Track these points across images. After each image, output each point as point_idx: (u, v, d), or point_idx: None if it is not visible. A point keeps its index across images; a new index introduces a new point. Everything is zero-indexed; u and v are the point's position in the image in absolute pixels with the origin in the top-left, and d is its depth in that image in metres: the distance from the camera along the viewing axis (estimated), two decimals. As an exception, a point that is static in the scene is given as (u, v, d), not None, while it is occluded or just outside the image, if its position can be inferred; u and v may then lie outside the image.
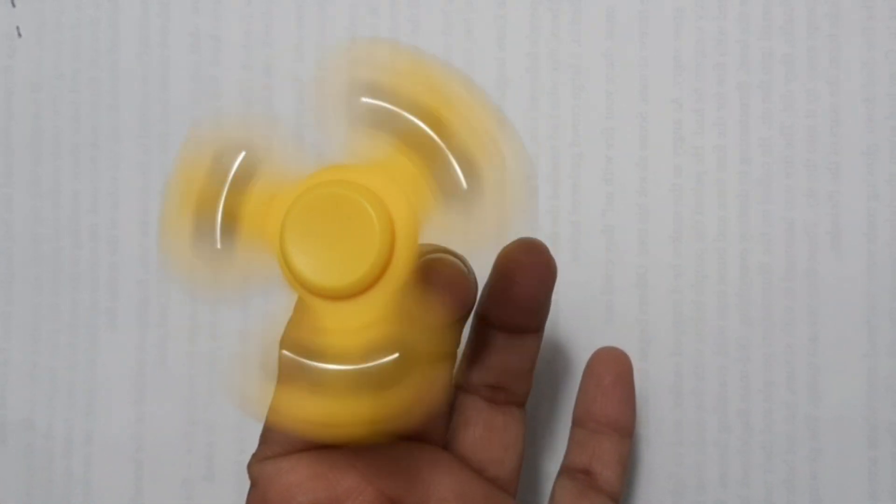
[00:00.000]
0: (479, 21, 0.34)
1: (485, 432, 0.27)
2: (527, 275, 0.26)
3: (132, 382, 0.34)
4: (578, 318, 0.33)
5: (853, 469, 0.32)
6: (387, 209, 0.22)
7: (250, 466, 0.25)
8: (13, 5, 0.35)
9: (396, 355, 0.21)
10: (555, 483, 0.29)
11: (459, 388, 0.28)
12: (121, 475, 0.34)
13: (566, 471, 0.29)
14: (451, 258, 0.24)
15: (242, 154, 0.23)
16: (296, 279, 0.22)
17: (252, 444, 0.33)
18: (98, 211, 0.35)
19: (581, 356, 0.33)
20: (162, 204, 0.23)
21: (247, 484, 0.35)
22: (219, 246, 0.22)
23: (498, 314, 0.27)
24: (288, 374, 0.22)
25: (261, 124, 0.23)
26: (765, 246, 0.33)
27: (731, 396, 0.32)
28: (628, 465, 0.30)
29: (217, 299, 0.32)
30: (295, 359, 0.22)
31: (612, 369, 0.30)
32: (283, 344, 0.23)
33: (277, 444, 0.25)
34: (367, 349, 0.22)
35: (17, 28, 0.35)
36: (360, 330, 0.22)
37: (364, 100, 0.22)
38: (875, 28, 0.33)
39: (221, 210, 0.22)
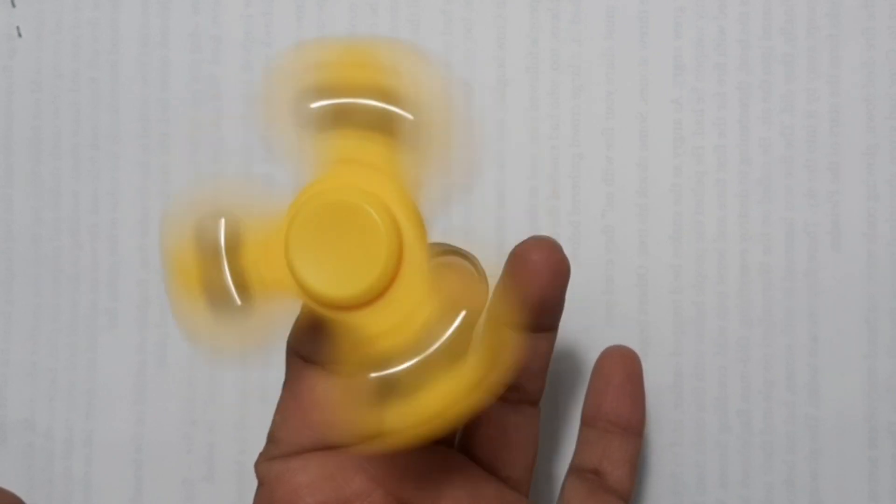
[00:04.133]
0: (479, 21, 0.34)
1: (497, 432, 0.27)
2: (540, 274, 0.26)
3: (132, 382, 0.34)
4: (578, 319, 0.33)
5: (853, 469, 0.32)
6: (386, 204, 0.22)
7: (257, 465, 0.25)
8: (13, 5, 0.35)
9: (463, 313, 0.21)
10: (564, 483, 0.29)
11: None
12: (121, 475, 0.34)
13: (576, 470, 0.29)
14: (462, 261, 0.24)
15: (222, 220, 0.23)
16: (317, 301, 0.22)
17: (252, 444, 0.34)
18: (98, 211, 0.35)
19: (581, 356, 0.33)
20: (166, 287, 0.23)
21: (247, 484, 0.35)
22: (239, 303, 0.23)
23: (511, 314, 0.27)
24: (375, 392, 0.22)
25: (224, 185, 0.24)
26: (765, 246, 0.33)
27: (731, 396, 0.32)
28: (638, 464, 0.30)
29: (246, 352, 0.32)
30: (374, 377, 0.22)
31: (622, 368, 0.30)
32: (348, 369, 0.22)
33: (286, 444, 0.25)
34: (423, 333, 0.21)
35: (17, 28, 0.35)
36: (402, 324, 0.22)
37: (313, 105, 0.22)
38: (875, 28, 0.33)
39: (228, 272, 0.23)
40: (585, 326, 0.33)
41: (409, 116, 0.22)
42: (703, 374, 0.32)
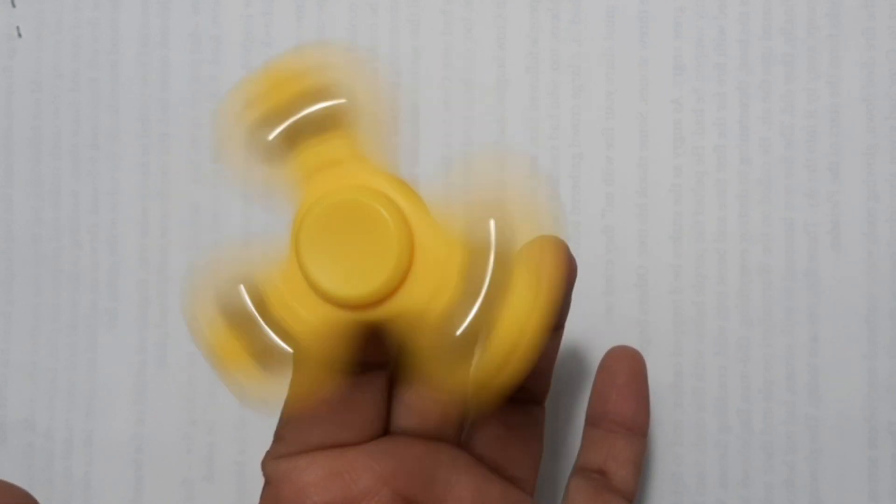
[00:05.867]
0: (479, 21, 0.34)
1: (503, 431, 0.27)
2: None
3: (132, 382, 0.34)
4: (579, 319, 0.33)
5: (853, 469, 0.32)
6: (390, 198, 0.22)
7: (264, 464, 0.25)
8: (13, 5, 0.35)
9: (493, 224, 0.22)
10: (569, 482, 0.29)
11: None
12: (121, 475, 0.34)
13: (580, 470, 0.29)
14: None
15: (242, 287, 0.23)
16: (338, 304, 0.22)
17: (252, 444, 0.34)
18: (98, 211, 0.35)
19: (581, 356, 0.33)
20: (215, 370, 0.23)
21: (247, 484, 0.35)
22: (290, 350, 0.23)
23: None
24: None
25: (222, 256, 0.24)
26: (765, 246, 0.33)
27: (731, 396, 0.32)
28: (643, 464, 0.30)
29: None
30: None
31: (626, 368, 0.30)
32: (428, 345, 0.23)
33: (293, 442, 0.25)
34: (473, 278, 0.22)
35: (17, 28, 0.35)
36: (445, 282, 0.22)
37: (269, 137, 0.23)
38: (875, 28, 0.33)
39: (268, 330, 0.23)
40: (585, 326, 0.33)
41: (343, 101, 0.23)
42: (703, 374, 0.32)
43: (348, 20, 0.34)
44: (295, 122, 0.23)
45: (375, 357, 0.25)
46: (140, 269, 0.34)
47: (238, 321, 0.23)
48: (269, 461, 0.25)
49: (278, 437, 0.25)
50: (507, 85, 0.34)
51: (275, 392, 0.23)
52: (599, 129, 0.33)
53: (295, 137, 0.23)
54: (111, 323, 0.34)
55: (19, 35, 0.35)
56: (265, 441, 0.25)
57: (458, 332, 0.22)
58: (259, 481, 0.25)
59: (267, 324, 0.23)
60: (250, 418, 0.34)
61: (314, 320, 0.22)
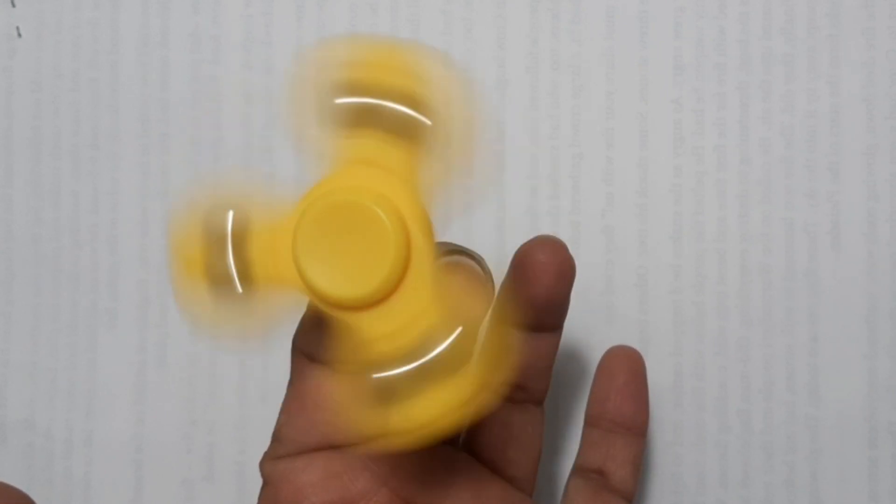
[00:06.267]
0: (479, 21, 0.34)
1: (502, 431, 0.27)
2: (545, 274, 0.26)
3: (132, 382, 0.34)
4: (578, 319, 0.33)
5: (853, 469, 0.32)
6: (395, 207, 0.22)
7: (262, 464, 0.25)
8: (13, 5, 0.35)
9: (460, 329, 0.21)
10: (567, 483, 0.29)
11: None
12: (121, 475, 0.34)
13: (579, 471, 0.29)
14: (469, 261, 0.24)
15: (230, 212, 0.23)
16: (322, 300, 0.22)
17: (252, 444, 0.34)
18: (98, 211, 0.35)
19: (581, 356, 0.33)
20: (170, 274, 0.23)
21: (247, 484, 0.35)
22: (240, 291, 0.22)
23: (516, 313, 0.27)
24: (364, 395, 0.22)
25: (233, 178, 0.24)
26: (765, 246, 0.33)
27: (731, 396, 0.32)
28: (642, 464, 0.30)
29: (246, 344, 0.32)
30: (373, 378, 0.22)
31: (626, 368, 0.30)
32: (350, 368, 0.22)
33: (291, 443, 0.24)
34: (422, 341, 0.21)
35: (17, 28, 0.35)
36: (404, 329, 0.22)
37: (337, 101, 0.22)
38: (875, 28, 0.33)
39: (232, 260, 0.23)
40: (585, 326, 0.33)
41: (429, 123, 0.22)
42: (703, 374, 0.32)
43: (348, 20, 0.34)
44: (371, 106, 0.22)
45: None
46: (140, 269, 0.34)
47: (212, 243, 0.23)
48: (268, 462, 0.25)
49: (276, 437, 0.25)
50: (507, 85, 0.34)
51: (215, 321, 0.23)
52: (599, 129, 0.33)
53: (361, 120, 0.22)
54: (111, 323, 0.34)
55: (19, 35, 0.35)
56: (265, 441, 0.25)
57: (371, 377, 0.22)
58: (259, 481, 0.25)
59: (235, 256, 0.22)
60: (250, 418, 0.34)
61: (276, 280, 0.22)
